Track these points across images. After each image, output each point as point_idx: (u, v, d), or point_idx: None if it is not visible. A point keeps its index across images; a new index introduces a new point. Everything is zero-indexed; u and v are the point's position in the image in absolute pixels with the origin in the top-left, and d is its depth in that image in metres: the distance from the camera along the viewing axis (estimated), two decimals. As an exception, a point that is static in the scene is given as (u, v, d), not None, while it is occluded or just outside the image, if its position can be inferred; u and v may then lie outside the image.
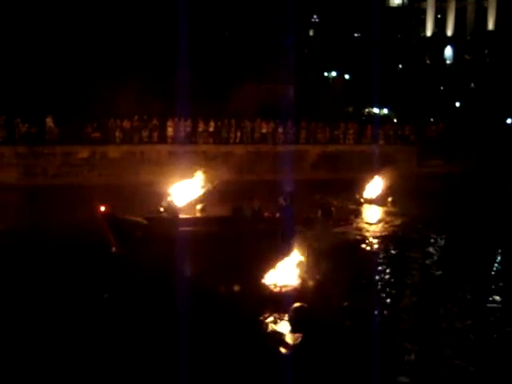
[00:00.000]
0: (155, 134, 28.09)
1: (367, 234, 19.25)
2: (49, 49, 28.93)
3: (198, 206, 20.17)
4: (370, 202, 23.79)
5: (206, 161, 26.85)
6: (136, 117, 27.76)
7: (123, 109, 26.25)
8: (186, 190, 20.68)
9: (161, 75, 27.50)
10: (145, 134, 27.98)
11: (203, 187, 20.96)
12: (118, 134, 27.48)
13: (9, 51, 28.43)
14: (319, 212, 19.45)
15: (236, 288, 12.87)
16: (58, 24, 29.28)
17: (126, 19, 30.10)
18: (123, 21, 30.04)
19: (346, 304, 12.39)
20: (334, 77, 45.91)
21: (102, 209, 15.36)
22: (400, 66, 46.57)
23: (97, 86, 27.46)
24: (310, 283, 13.31)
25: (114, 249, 15.36)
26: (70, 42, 28.93)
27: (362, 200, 23.74)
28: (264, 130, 30.02)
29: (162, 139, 28.12)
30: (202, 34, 28.73)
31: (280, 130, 29.99)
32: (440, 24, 52.07)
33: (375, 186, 24.21)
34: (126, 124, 27.70)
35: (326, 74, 45.54)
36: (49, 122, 26.48)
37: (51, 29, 29.09)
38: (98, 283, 13.01)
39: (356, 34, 48.30)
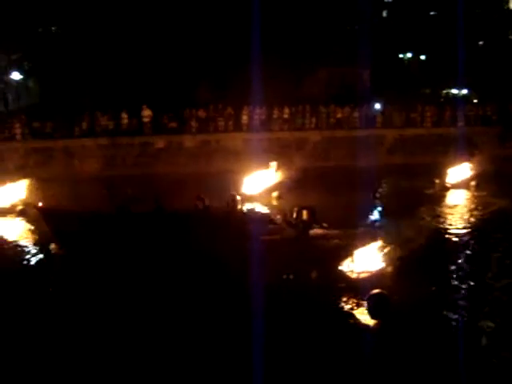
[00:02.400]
0: (230, 123, 28.32)
1: (451, 219, 18.60)
2: (126, 42, 29.67)
3: (274, 194, 20.29)
4: (453, 186, 23.10)
5: (281, 148, 26.88)
6: (211, 106, 28.11)
7: (198, 98, 26.61)
8: (261, 178, 20.86)
9: (235, 64, 27.65)
10: (220, 122, 28.28)
11: (279, 175, 21.03)
12: (193, 123, 27.92)
13: (89, 47, 29.40)
14: (296, 213, 16.06)
15: (314, 275, 12.80)
16: (134, 19, 29.96)
17: (201, 8, 30.36)
18: (198, 10, 30.32)
19: (426, 292, 12.04)
20: (409, 58, 44.64)
21: (39, 204, 15.32)
22: (480, 42, 44.61)
23: (172, 76, 27.99)
24: (390, 270, 13.03)
25: (52, 245, 14.99)
26: (146, 34, 29.52)
27: (447, 185, 23.03)
28: (339, 115, 29.64)
29: (237, 127, 28.33)
30: (275, 19, 28.60)
31: (355, 114, 29.56)
32: (524, -4, 49.35)
33: (457, 169, 23.47)
34: (202, 113, 28.09)
35: (400, 55, 44.35)
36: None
37: (127, 24, 29.81)
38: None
39: (432, 12, 46.64)
